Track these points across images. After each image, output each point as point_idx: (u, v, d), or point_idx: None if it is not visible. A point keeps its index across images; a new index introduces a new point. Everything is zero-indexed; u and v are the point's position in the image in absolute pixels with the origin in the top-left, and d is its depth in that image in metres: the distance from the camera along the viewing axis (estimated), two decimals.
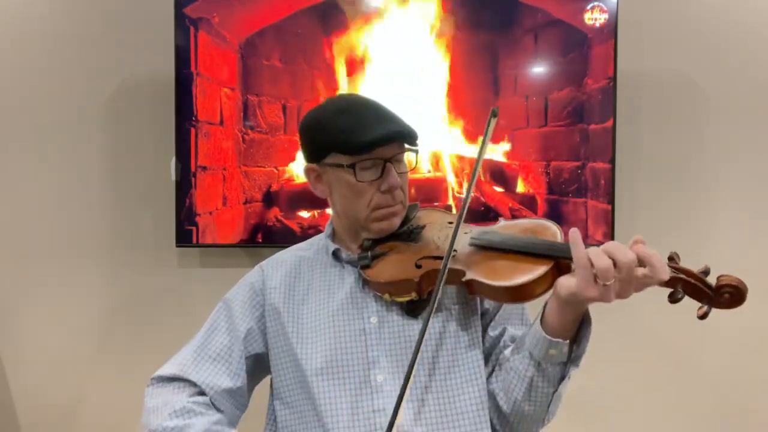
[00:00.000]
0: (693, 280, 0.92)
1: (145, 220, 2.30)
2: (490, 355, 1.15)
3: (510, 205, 2.21)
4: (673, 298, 0.92)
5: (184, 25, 2.16)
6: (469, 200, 1.07)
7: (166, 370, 1.14)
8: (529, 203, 2.21)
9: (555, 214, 2.20)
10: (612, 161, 2.16)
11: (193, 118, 2.17)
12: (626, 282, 0.91)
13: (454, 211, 2.18)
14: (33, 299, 2.32)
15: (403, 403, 0.96)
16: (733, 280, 0.91)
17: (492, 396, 1.11)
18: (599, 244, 2.26)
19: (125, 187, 2.31)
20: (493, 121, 1.06)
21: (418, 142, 1.15)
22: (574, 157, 2.19)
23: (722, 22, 2.27)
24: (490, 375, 1.13)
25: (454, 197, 2.20)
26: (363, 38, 2.19)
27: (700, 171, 2.29)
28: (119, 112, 2.30)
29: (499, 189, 2.20)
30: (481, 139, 1.13)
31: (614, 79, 2.15)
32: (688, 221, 2.29)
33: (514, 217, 2.19)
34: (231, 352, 1.15)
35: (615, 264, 0.90)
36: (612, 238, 2.16)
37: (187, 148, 2.18)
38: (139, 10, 2.28)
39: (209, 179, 2.20)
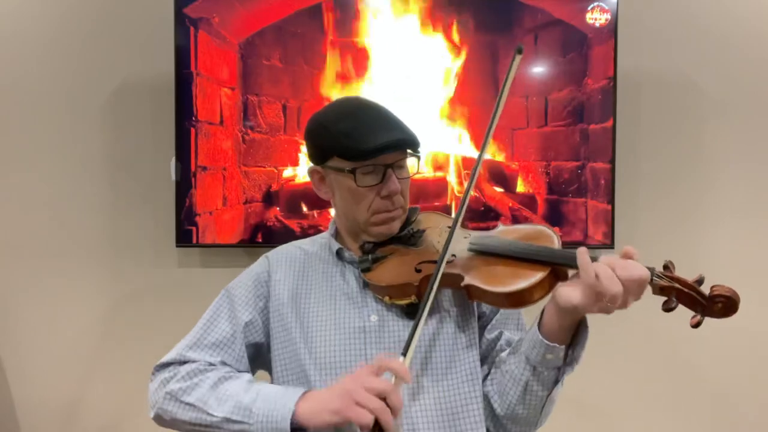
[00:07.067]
0: (687, 289, 0.93)
1: (145, 220, 2.30)
2: (486, 358, 1.16)
3: (510, 205, 2.21)
4: (667, 307, 0.94)
5: (184, 25, 2.16)
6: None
7: (164, 358, 1.14)
8: (529, 203, 2.21)
9: (555, 214, 2.20)
10: (612, 161, 2.17)
11: (193, 118, 2.17)
12: (627, 294, 0.92)
13: (453, 213, 2.18)
14: (33, 299, 2.32)
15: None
16: (726, 290, 0.92)
17: (486, 399, 1.12)
18: (599, 244, 2.23)
19: (125, 187, 2.31)
20: (518, 59, 1.06)
21: (420, 148, 1.15)
22: (574, 157, 2.19)
23: (722, 21, 2.27)
24: (485, 378, 1.14)
25: (453, 197, 2.20)
26: (364, 38, 2.19)
27: (700, 171, 2.29)
28: (119, 112, 2.30)
29: (499, 189, 2.20)
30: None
31: (614, 79, 2.15)
32: (687, 221, 2.29)
33: (513, 218, 2.19)
34: (234, 339, 1.15)
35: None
36: (612, 238, 2.16)
37: (187, 148, 2.18)
38: (139, 10, 2.28)
39: (209, 179, 2.20)
